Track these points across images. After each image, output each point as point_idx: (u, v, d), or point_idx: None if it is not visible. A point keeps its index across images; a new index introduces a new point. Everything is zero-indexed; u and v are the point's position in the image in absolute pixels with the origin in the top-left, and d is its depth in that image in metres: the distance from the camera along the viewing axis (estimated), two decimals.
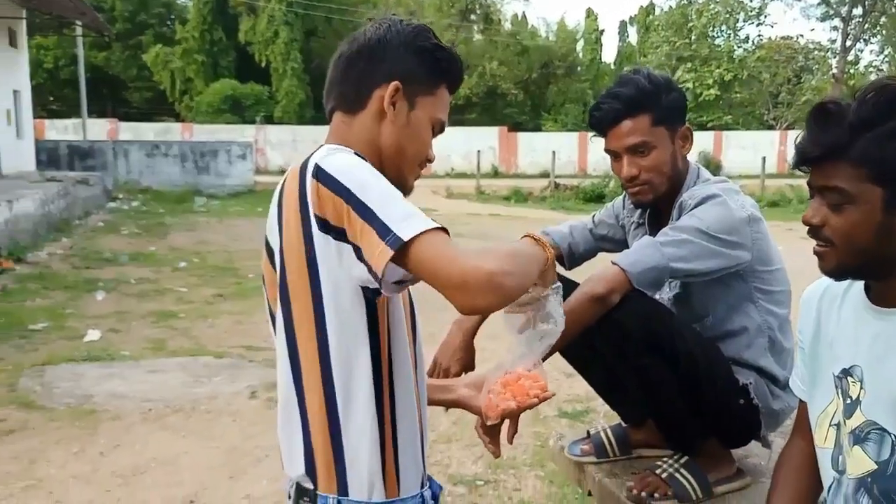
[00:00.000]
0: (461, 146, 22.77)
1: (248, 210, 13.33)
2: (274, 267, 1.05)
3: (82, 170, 14.38)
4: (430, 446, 1.21)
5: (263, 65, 29.33)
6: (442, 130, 1.13)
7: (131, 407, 3.64)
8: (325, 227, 0.95)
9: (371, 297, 0.99)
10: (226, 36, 29.73)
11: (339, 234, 0.95)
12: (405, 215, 0.91)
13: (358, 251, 0.93)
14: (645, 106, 1.62)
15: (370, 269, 0.92)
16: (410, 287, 1.04)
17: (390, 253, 0.89)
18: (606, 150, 1.70)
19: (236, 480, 2.87)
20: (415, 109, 1.08)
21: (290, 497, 1.09)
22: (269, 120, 27.41)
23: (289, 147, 24.50)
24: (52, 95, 30.38)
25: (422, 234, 0.89)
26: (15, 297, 5.96)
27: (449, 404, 1.26)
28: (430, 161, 1.14)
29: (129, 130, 24.38)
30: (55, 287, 6.36)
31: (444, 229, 0.92)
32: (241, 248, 9.07)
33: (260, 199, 15.34)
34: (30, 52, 15.55)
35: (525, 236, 1.15)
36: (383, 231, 0.90)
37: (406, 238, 0.88)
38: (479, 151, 20.39)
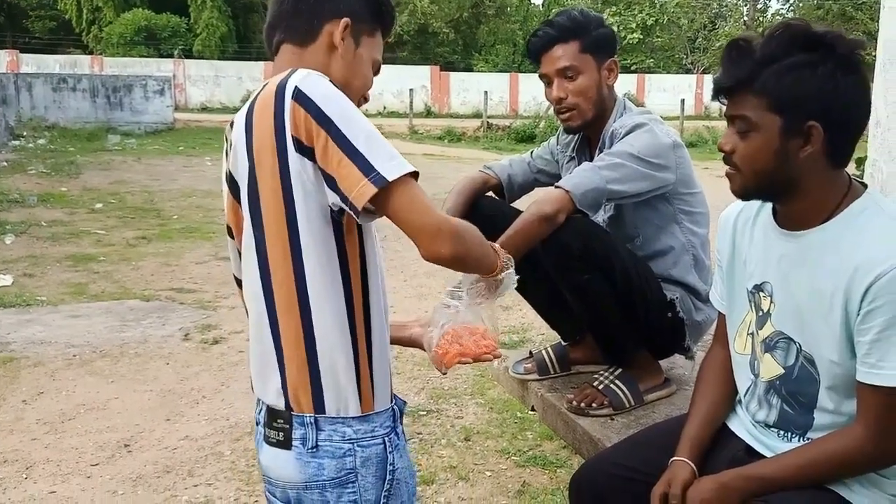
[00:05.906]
0: (393, 84, 22.16)
1: (169, 148, 12.62)
2: (238, 199, 1.08)
3: None
4: None
5: None
6: (378, 71, 1.21)
7: (54, 353, 3.45)
8: (301, 147, 0.98)
9: (337, 218, 1.01)
10: None
11: (311, 155, 0.97)
12: (390, 155, 0.95)
13: (330, 180, 0.96)
14: (575, 33, 1.80)
15: (345, 200, 0.95)
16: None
17: (374, 190, 0.93)
18: (540, 76, 1.86)
19: (173, 423, 2.79)
20: (360, 47, 1.14)
21: (259, 423, 1.11)
22: (188, 54, 25.68)
23: (211, 83, 23.11)
24: None
25: (402, 176, 0.94)
26: None
27: (404, 342, 1.32)
28: (366, 100, 1.21)
29: (32, 63, 22.39)
30: None
31: (417, 173, 0.98)
32: (164, 188, 8.63)
33: (180, 136, 14.55)
34: None
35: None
36: (366, 168, 0.93)
37: (391, 179, 0.94)
38: (411, 90, 19.94)
